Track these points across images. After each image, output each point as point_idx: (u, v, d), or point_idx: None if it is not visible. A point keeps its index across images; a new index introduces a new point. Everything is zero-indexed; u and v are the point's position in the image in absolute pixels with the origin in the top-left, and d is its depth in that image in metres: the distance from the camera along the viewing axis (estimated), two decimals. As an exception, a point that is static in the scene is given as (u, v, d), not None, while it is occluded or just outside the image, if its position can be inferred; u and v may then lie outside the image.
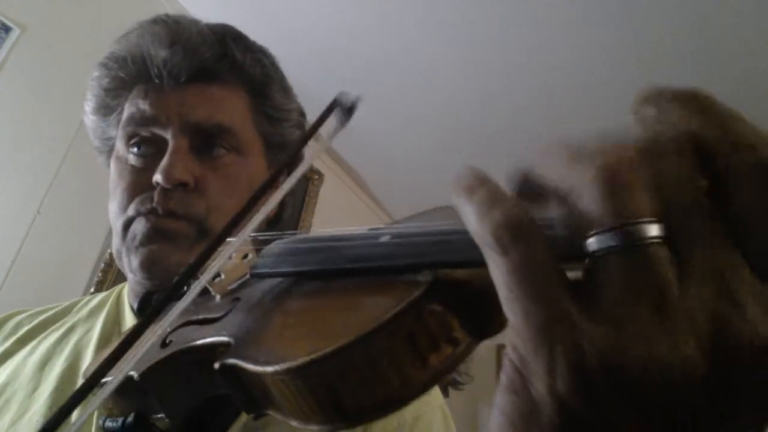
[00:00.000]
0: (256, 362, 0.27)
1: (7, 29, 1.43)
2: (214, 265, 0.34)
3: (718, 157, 0.19)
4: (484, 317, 0.25)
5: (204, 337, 0.34)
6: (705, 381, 0.17)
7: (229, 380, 0.29)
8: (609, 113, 2.26)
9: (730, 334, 0.17)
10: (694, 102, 0.21)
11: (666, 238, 0.18)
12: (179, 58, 0.58)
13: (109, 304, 0.66)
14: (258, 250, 0.41)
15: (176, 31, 0.59)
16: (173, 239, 0.55)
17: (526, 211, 0.20)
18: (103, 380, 0.29)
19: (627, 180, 0.18)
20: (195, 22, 0.63)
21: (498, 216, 0.20)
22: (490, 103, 2.26)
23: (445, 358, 0.25)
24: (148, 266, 0.55)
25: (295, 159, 0.41)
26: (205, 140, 0.59)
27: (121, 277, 1.60)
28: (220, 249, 0.35)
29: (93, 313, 0.66)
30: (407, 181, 2.70)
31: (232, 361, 0.28)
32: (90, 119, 0.66)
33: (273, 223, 0.67)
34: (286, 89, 0.68)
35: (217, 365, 0.29)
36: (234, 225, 0.35)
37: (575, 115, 2.30)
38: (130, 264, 0.57)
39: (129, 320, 0.62)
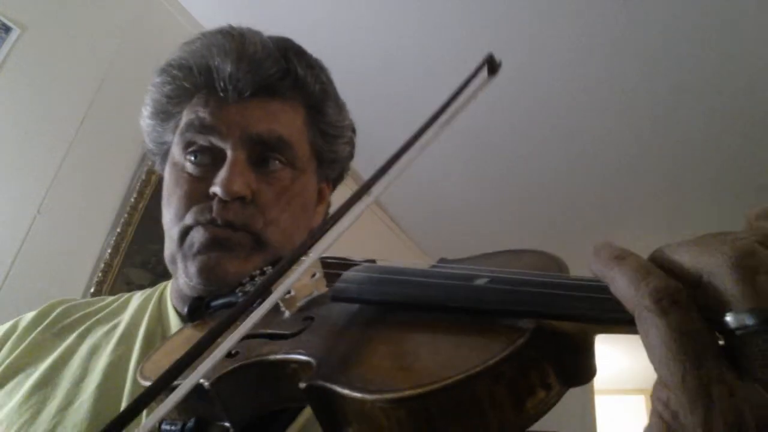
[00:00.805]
0: (352, 388, 0.27)
1: (7, 29, 1.43)
2: (290, 280, 0.34)
3: None
4: (575, 367, 0.28)
5: (277, 353, 0.35)
6: None
7: (314, 400, 0.30)
8: (609, 113, 2.26)
9: None
10: None
11: None
12: (245, 73, 0.59)
13: (152, 303, 0.67)
14: (329, 272, 0.42)
15: (242, 45, 0.60)
16: (231, 249, 0.57)
17: (677, 282, 0.22)
18: (174, 383, 0.30)
19: (760, 265, 0.21)
20: (259, 36, 0.64)
21: (656, 282, 0.22)
22: (491, 103, 2.26)
23: (538, 403, 0.26)
24: (206, 274, 0.57)
25: (385, 168, 0.41)
26: (263, 153, 0.60)
27: (121, 278, 1.60)
28: (295, 266, 0.35)
29: (138, 310, 0.67)
30: (407, 182, 2.70)
31: (322, 383, 0.29)
32: (147, 123, 0.67)
33: None
34: (340, 105, 0.69)
35: (303, 385, 0.30)
36: (313, 242, 0.35)
37: (581, 115, 2.30)
38: (187, 270, 0.58)
39: (173, 322, 0.64)
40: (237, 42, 0.60)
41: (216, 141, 0.59)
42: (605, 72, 2.04)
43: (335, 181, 0.74)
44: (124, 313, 0.67)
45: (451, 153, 2.59)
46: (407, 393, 0.25)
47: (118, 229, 1.62)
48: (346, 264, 0.42)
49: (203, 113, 0.60)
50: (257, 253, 0.58)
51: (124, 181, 1.69)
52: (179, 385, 0.29)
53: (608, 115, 2.28)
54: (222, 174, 0.56)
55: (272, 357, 0.35)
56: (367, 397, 0.27)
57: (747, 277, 0.20)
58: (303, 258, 0.36)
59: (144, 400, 0.28)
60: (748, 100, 2.10)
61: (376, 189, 0.40)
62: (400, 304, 0.35)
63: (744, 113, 2.17)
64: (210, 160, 0.60)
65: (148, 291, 0.72)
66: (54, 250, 1.48)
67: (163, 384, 0.29)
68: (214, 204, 0.57)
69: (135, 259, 1.65)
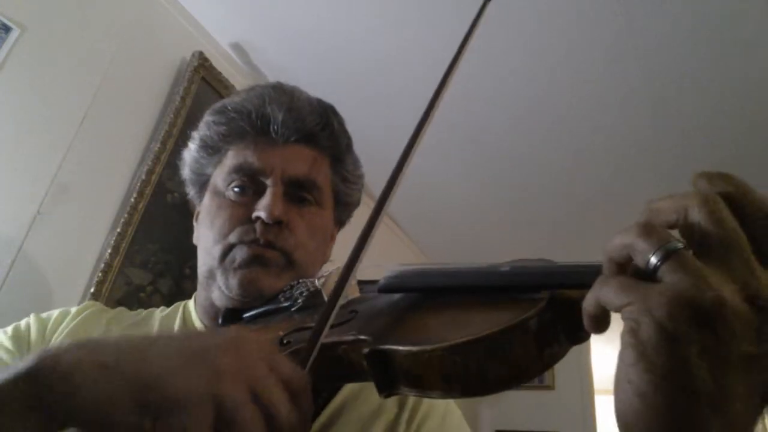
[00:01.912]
0: (412, 344, 0.36)
1: (7, 29, 1.43)
2: (348, 288, 0.43)
3: (743, 208, 0.31)
4: (578, 329, 0.35)
5: (330, 337, 0.42)
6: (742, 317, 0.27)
7: (373, 364, 0.38)
8: (609, 113, 2.26)
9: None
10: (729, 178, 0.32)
11: (687, 245, 0.30)
12: (293, 122, 0.72)
13: (177, 322, 0.75)
14: (360, 281, 0.54)
15: (292, 98, 0.73)
16: (267, 266, 0.66)
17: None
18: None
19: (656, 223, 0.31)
20: (305, 93, 0.76)
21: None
22: (491, 103, 2.26)
23: (552, 354, 0.35)
24: (246, 286, 0.65)
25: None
26: (297, 191, 0.71)
27: (120, 279, 1.60)
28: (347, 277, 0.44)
29: (163, 325, 0.75)
30: (408, 182, 2.69)
31: (383, 347, 0.37)
32: (192, 155, 0.77)
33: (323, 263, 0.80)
34: (356, 159, 0.82)
35: (366, 350, 0.38)
36: (356, 257, 0.44)
37: (581, 115, 2.30)
38: (227, 282, 0.66)
39: None
40: (288, 95, 0.73)
41: (259, 178, 0.70)
42: (605, 72, 2.04)
43: (341, 224, 0.85)
44: (148, 326, 0.74)
45: (450, 153, 2.59)
46: (463, 339, 0.34)
47: (118, 229, 1.62)
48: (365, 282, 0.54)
49: (252, 158, 0.70)
50: (287, 272, 0.67)
51: (124, 181, 1.69)
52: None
53: (608, 115, 2.28)
54: (265, 201, 0.67)
55: (326, 340, 0.42)
56: (427, 347, 0.35)
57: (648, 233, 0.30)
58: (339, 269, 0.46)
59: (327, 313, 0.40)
60: (749, 99, 2.11)
61: (391, 199, 0.52)
62: (439, 289, 0.43)
63: (745, 112, 2.17)
64: (252, 190, 0.70)
65: (167, 309, 0.79)
66: (54, 250, 1.48)
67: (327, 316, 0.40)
68: (257, 226, 0.66)
69: (135, 259, 1.65)
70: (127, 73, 1.70)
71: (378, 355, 0.37)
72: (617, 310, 0.30)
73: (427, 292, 0.44)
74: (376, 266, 0.52)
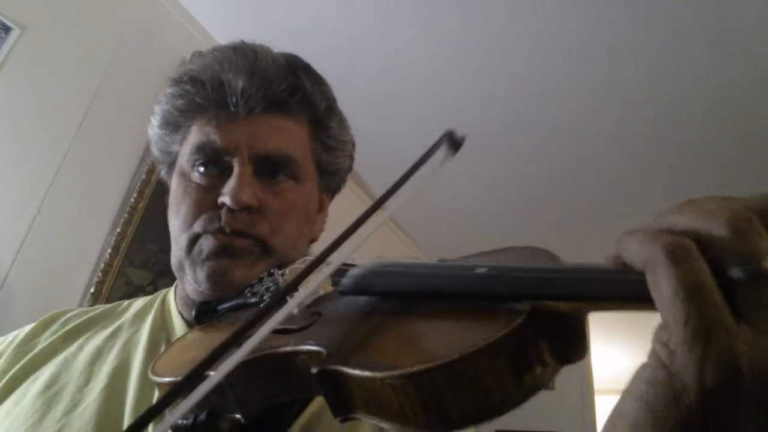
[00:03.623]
0: (362, 368, 0.30)
1: (7, 29, 1.43)
2: (310, 288, 0.37)
3: None
4: (570, 346, 0.30)
5: (287, 345, 0.37)
6: None
7: (326, 384, 0.32)
8: (610, 114, 2.26)
9: None
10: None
11: None
12: (255, 89, 0.62)
13: (154, 308, 0.69)
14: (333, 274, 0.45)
15: (254, 61, 0.63)
16: (238, 256, 0.59)
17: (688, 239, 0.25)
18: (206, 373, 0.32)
19: (756, 226, 0.24)
20: (270, 52, 0.66)
21: (668, 238, 0.25)
22: (491, 105, 2.26)
23: (535, 378, 0.28)
24: (214, 279, 0.59)
25: (393, 189, 0.43)
26: (269, 167, 0.63)
27: (121, 278, 1.60)
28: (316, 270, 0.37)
29: (138, 316, 0.69)
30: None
31: (332, 367, 0.31)
32: (155, 132, 0.69)
33: (311, 240, 0.73)
34: (342, 121, 0.72)
35: (315, 370, 0.32)
36: (332, 250, 0.37)
37: (581, 115, 2.30)
38: (195, 276, 0.60)
39: (178, 327, 0.66)
40: (249, 58, 0.62)
41: (225, 158, 0.62)
42: (606, 72, 2.04)
43: (334, 191, 0.77)
44: (124, 318, 0.69)
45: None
46: (415, 368, 0.28)
47: (118, 229, 1.62)
48: (348, 266, 0.44)
49: (213, 135, 0.62)
50: (264, 260, 0.61)
51: (124, 181, 1.69)
52: (199, 382, 0.30)
53: (609, 116, 2.28)
54: (230, 184, 0.59)
55: (282, 349, 0.37)
56: (377, 375, 0.29)
57: (743, 237, 0.24)
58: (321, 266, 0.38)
59: (171, 396, 0.30)
60: (750, 99, 2.11)
61: (391, 205, 0.43)
62: (405, 294, 0.37)
63: (746, 113, 2.17)
64: (218, 171, 0.62)
65: (147, 297, 0.74)
66: (54, 250, 1.48)
67: (190, 381, 0.30)
68: (223, 213, 0.59)
69: (135, 259, 1.65)
70: (127, 73, 1.70)
71: (329, 375, 0.32)
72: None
73: (390, 297, 0.38)
74: (378, 257, 0.46)
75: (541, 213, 3.10)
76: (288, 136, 0.64)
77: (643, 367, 0.26)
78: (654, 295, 0.24)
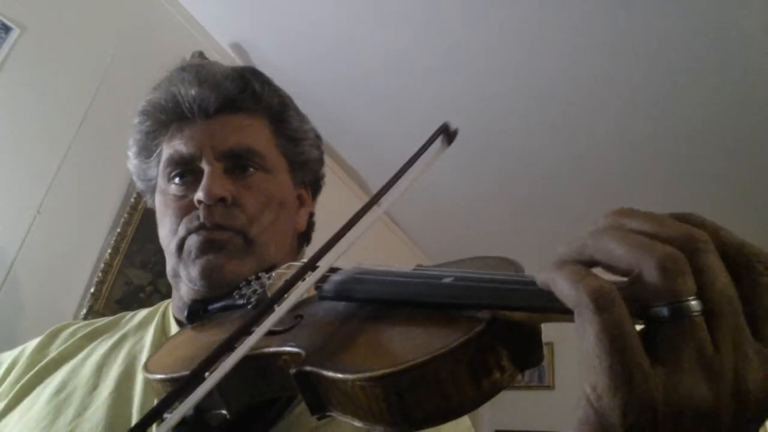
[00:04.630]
0: (335, 370, 0.33)
1: (7, 29, 1.43)
2: (299, 292, 0.39)
3: (740, 262, 0.27)
4: (526, 352, 0.32)
5: (271, 346, 0.40)
6: (731, 413, 0.25)
7: (303, 384, 0.35)
8: (610, 113, 2.26)
9: (744, 378, 0.25)
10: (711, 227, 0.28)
11: (703, 312, 0.25)
12: (207, 93, 0.67)
13: (156, 317, 0.73)
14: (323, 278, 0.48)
15: (201, 71, 0.68)
16: (224, 249, 0.63)
17: (610, 282, 0.27)
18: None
19: (682, 267, 0.25)
20: (216, 63, 0.72)
21: (593, 283, 0.26)
22: (492, 104, 2.26)
23: (494, 383, 0.31)
24: (207, 274, 0.62)
25: (385, 187, 0.47)
26: (237, 163, 0.67)
27: (121, 278, 1.60)
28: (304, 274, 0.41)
29: (142, 325, 0.73)
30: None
31: (309, 368, 0.34)
32: (133, 164, 0.74)
33: (302, 241, 0.77)
34: (300, 114, 0.76)
35: (293, 371, 0.35)
36: (324, 252, 0.40)
37: (582, 115, 2.30)
38: (189, 275, 0.63)
39: (174, 331, 0.69)
40: (197, 70, 0.69)
41: (195, 163, 0.66)
42: (606, 71, 2.04)
43: (313, 186, 0.80)
44: (128, 327, 0.73)
45: (450, 152, 2.59)
46: (381, 372, 0.30)
47: (118, 229, 1.62)
48: (333, 270, 0.48)
49: (180, 145, 0.67)
50: (250, 255, 0.64)
51: (124, 181, 1.69)
52: (192, 384, 0.33)
53: (609, 115, 2.28)
54: (202, 183, 0.63)
55: (266, 350, 0.40)
56: (349, 377, 0.32)
57: (670, 278, 0.25)
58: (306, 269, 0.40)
59: (170, 399, 0.32)
60: (750, 98, 2.11)
61: (385, 203, 0.45)
62: (379, 301, 0.40)
63: (745, 111, 2.17)
64: (192, 177, 0.66)
65: (149, 309, 0.78)
66: (54, 250, 1.48)
67: (187, 385, 0.33)
68: (201, 210, 0.63)
69: (135, 259, 1.65)
70: (127, 73, 1.70)
71: (306, 375, 0.35)
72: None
73: (364, 304, 0.41)
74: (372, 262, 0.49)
75: (541, 213, 3.10)
76: (248, 130, 0.68)
77: (578, 407, 0.27)
78: (580, 341, 0.26)
